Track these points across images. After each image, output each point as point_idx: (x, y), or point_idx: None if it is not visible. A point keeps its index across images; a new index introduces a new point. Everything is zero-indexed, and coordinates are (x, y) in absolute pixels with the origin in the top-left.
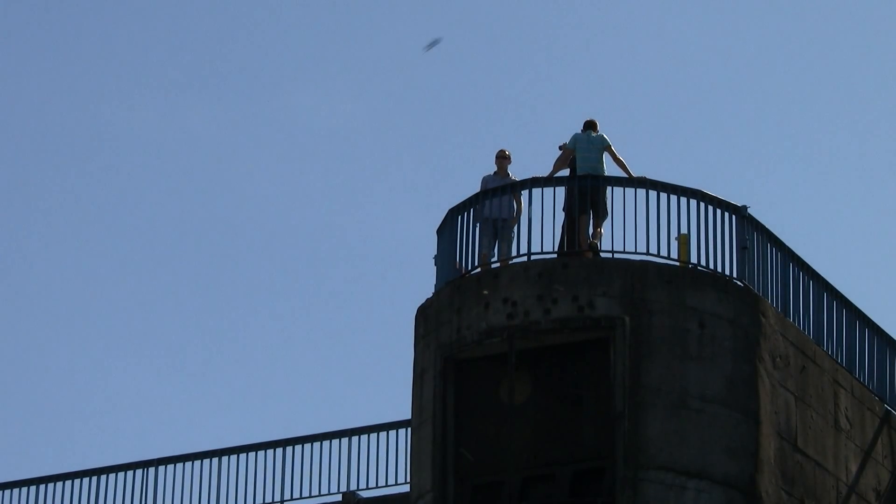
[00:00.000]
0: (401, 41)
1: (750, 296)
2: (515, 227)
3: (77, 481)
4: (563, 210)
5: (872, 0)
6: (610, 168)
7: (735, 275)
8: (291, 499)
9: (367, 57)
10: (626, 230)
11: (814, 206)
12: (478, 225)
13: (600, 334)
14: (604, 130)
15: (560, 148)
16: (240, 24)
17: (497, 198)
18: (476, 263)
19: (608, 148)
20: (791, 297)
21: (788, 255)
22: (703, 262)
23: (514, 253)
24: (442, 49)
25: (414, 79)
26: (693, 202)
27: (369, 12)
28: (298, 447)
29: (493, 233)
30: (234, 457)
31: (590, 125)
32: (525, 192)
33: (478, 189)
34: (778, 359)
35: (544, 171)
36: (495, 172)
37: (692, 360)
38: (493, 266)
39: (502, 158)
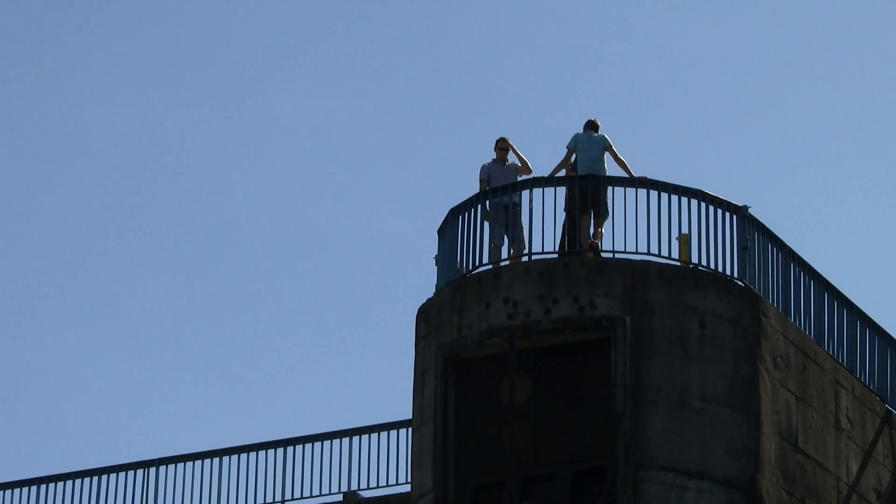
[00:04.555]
0: (390, 39)
1: (751, 296)
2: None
3: (77, 481)
4: (564, 210)
5: (872, 0)
6: (611, 168)
7: (736, 275)
8: (292, 499)
9: (363, 56)
10: (627, 230)
11: (814, 206)
12: (485, 217)
13: (601, 334)
14: (605, 130)
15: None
16: (225, 23)
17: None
18: (480, 261)
19: (609, 148)
20: (792, 297)
21: (789, 254)
22: (703, 262)
23: (524, 241)
24: (437, 47)
25: (410, 77)
26: (694, 202)
27: (356, 9)
28: (299, 447)
29: (506, 219)
30: (234, 457)
31: (591, 125)
32: (525, 192)
33: (477, 179)
34: (779, 358)
35: (544, 170)
36: (494, 160)
37: (693, 359)
38: (502, 263)
39: (502, 150)
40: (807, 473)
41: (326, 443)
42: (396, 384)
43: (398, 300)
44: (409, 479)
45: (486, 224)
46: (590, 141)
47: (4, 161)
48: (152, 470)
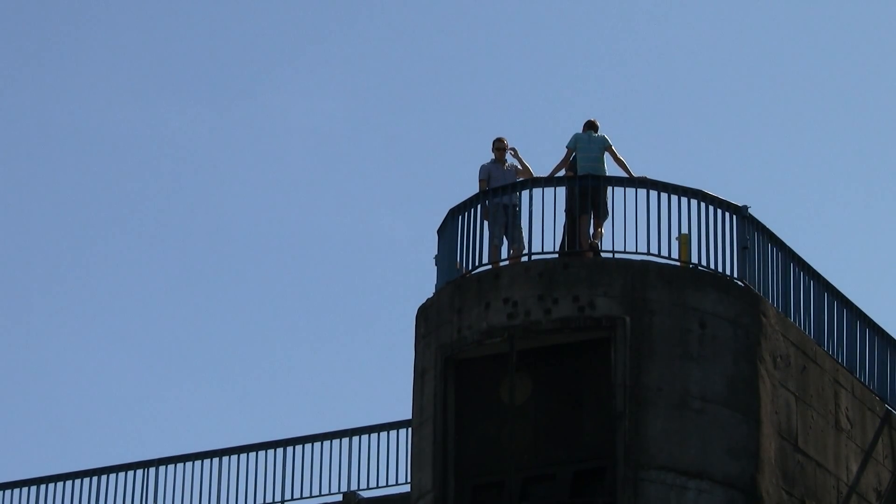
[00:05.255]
0: (389, 40)
1: (750, 296)
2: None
3: (77, 481)
4: (565, 211)
5: (872, 0)
6: (611, 168)
7: (736, 275)
8: (292, 499)
9: (361, 57)
10: (627, 230)
11: (814, 206)
12: (485, 216)
13: (601, 334)
14: (604, 130)
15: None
16: (223, 23)
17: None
18: (479, 261)
19: (609, 148)
20: (792, 297)
21: (789, 254)
22: (703, 262)
23: (524, 241)
24: (436, 47)
25: (409, 77)
26: (693, 202)
27: (354, 10)
28: (299, 447)
29: (505, 219)
30: (234, 457)
31: (590, 125)
32: (525, 192)
33: (477, 179)
34: (779, 359)
35: (544, 170)
36: (493, 160)
37: (693, 359)
38: (501, 263)
39: (500, 150)
40: (807, 473)
41: (326, 443)
42: (396, 384)
43: (398, 300)
44: (409, 479)
45: (486, 224)
46: (589, 141)
47: (2, 161)
48: (152, 470)
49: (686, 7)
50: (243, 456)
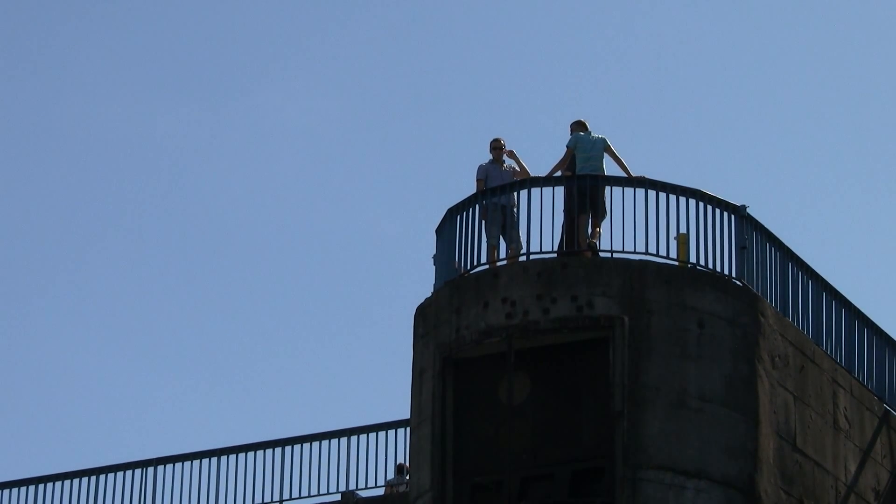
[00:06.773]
0: (385, 39)
1: (749, 295)
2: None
3: (77, 481)
4: (563, 210)
5: (872, 0)
6: (610, 168)
7: (734, 274)
8: (290, 498)
9: (357, 56)
10: (626, 230)
11: (814, 206)
12: (483, 216)
13: (599, 334)
14: (603, 130)
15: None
16: (217, 23)
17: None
18: (478, 261)
19: (608, 149)
20: (790, 297)
21: (787, 254)
22: (702, 262)
23: (521, 242)
24: (433, 47)
25: (405, 77)
26: (692, 202)
27: (349, 9)
28: (297, 447)
29: (502, 220)
30: (233, 456)
31: (581, 125)
32: (524, 192)
33: (474, 178)
34: (777, 358)
35: (542, 171)
36: (491, 161)
37: (691, 359)
38: (499, 263)
39: (497, 150)
40: (805, 473)
41: (325, 442)
42: (395, 384)
43: (396, 300)
44: (408, 479)
45: (484, 224)
46: (590, 141)
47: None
48: (151, 469)
49: (686, 7)
50: (242, 455)
